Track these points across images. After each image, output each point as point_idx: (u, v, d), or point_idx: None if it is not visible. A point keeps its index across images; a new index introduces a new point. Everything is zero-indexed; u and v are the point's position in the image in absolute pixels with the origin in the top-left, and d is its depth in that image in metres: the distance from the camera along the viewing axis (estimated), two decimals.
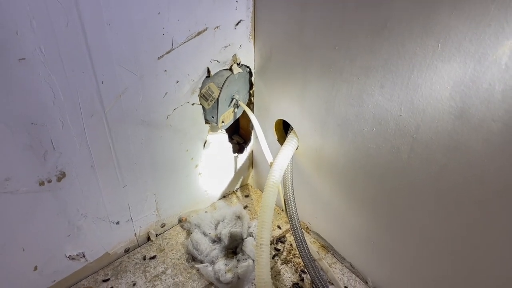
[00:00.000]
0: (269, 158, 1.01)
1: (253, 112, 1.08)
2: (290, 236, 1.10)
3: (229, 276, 0.95)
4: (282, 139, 1.08)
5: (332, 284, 0.95)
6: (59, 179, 0.80)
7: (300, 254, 0.90)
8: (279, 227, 1.13)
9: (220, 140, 1.10)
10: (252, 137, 1.18)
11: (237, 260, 1.00)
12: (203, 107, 0.98)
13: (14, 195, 0.75)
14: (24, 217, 0.79)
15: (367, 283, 0.98)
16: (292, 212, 0.95)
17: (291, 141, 0.99)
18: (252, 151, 1.22)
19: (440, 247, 0.77)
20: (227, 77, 0.95)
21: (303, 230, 1.05)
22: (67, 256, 0.91)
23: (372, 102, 0.76)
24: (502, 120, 0.57)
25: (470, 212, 0.68)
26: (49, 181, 0.79)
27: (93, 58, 0.73)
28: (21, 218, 0.78)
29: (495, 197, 0.63)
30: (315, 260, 0.91)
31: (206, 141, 1.05)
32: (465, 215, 0.69)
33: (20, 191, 0.75)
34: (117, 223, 0.97)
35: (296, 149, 1.01)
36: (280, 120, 1.05)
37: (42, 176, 0.77)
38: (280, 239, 1.09)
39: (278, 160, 0.95)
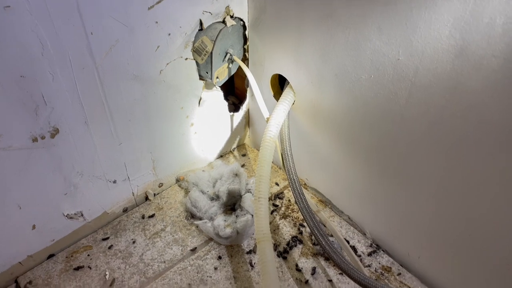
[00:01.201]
0: (265, 113, 1.00)
1: (248, 68, 1.06)
2: (288, 192, 1.10)
3: (228, 230, 0.95)
4: (278, 95, 1.06)
5: (331, 236, 0.95)
6: (52, 136, 0.79)
7: (298, 207, 0.90)
8: (277, 184, 1.14)
9: (215, 97, 1.08)
10: (248, 94, 1.16)
11: (236, 216, 1.00)
12: (196, 62, 0.96)
13: (6, 151, 0.74)
14: (19, 174, 0.78)
15: (365, 234, 0.99)
16: (290, 167, 0.95)
17: (287, 96, 0.97)
18: (248, 109, 1.20)
19: (437, 196, 0.77)
20: (220, 30, 0.92)
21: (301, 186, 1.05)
22: (65, 215, 0.91)
23: (369, 47, 0.74)
24: (503, 55, 0.56)
25: (469, 158, 0.67)
26: (43, 138, 0.78)
27: (81, 7, 0.70)
28: (16, 175, 0.77)
29: (497, 139, 0.62)
30: (313, 212, 0.91)
31: (201, 98, 1.03)
32: (464, 161, 0.68)
33: (13, 148, 0.74)
34: (114, 182, 0.96)
35: (293, 104, 0.99)
36: (276, 75, 1.04)
37: (35, 132, 0.76)
38: (278, 195, 1.09)
39: (275, 115, 0.94)
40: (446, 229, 0.79)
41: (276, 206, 1.07)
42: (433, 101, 0.68)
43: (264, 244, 0.81)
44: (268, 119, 0.95)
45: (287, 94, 0.97)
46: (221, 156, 1.23)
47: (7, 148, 0.73)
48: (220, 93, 1.08)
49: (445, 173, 0.73)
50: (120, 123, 0.89)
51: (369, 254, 0.95)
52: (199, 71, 0.98)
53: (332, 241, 0.90)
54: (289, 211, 1.05)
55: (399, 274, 0.91)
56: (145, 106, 0.92)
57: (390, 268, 0.92)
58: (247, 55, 1.07)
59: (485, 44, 0.57)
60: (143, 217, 1.03)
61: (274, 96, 1.07)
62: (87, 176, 0.90)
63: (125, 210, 1.03)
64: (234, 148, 1.26)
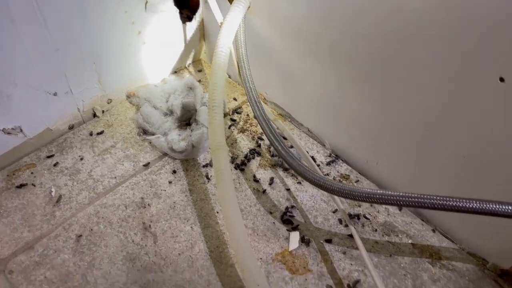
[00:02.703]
0: (219, 18, 0.92)
1: None
2: (246, 107, 1.06)
3: (182, 144, 0.90)
4: None
5: (292, 147, 0.93)
6: None
7: (254, 115, 0.85)
8: (235, 99, 1.08)
9: (165, 2, 0.98)
10: (201, 1, 1.06)
11: (191, 130, 0.95)
12: None
13: None
14: None
15: (324, 145, 0.97)
16: (246, 74, 0.89)
17: None
18: (203, 20, 1.11)
19: (395, 100, 0.74)
20: None
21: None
22: (1, 129, 0.83)
23: None
24: None
25: (433, 46, 0.64)
26: None
27: None
28: None
29: (460, 21, 0.58)
30: (272, 122, 0.87)
31: (147, 1, 0.93)
32: (428, 50, 0.65)
33: None
34: (55, 94, 0.88)
35: (248, 7, 0.92)
36: None
37: None
38: (236, 110, 1.04)
39: (228, 18, 0.87)
40: (404, 130, 0.77)
41: (234, 120, 1.02)
42: None
43: (218, 152, 0.77)
44: (222, 23, 0.88)
45: None
46: (175, 72, 1.15)
47: None
48: None
49: (403, 74, 0.70)
50: (55, 26, 0.80)
51: (328, 164, 0.93)
52: None
53: (292, 152, 0.87)
54: (248, 125, 1.01)
55: (357, 181, 0.91)
56: (83, 7, 0.82)
57: (349, 175, 0.91)
58: None
59: None
60: (91, 134, 0.96)
61: (229, 1, 0.99)
62: (22, 86, 0.81)
63: (71, 128, 0.96)
64: (189, 64, 1.18)
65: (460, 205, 0.59)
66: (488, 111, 0.63)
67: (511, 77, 0.58)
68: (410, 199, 0.62)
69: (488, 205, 0.58)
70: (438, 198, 0.60)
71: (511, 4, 0.53)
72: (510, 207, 0.57)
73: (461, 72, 0.63)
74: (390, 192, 0.64)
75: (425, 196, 0.60)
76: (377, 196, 0.65)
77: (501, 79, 0.59)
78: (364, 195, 0.66)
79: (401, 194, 0.62)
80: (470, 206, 0.59)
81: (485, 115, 0.63)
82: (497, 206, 0.57)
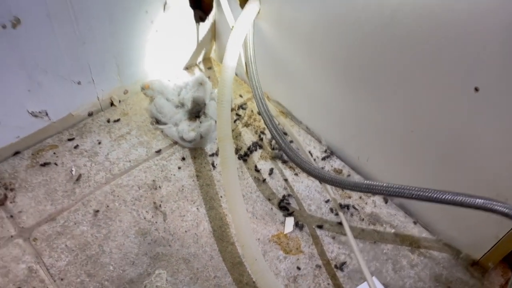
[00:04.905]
0: (231, 21, 1.01)
1: None
2: (251, 104, 1.15)
3: (192, 134, 0.99)
4: (244, 4, 1.07)
5: (291, 141, 1.02)
6: (14, 26, 0.78)
7: (258, 111, 0.94)
8: (240, 96, 1.17)
9: (181, 4, 1.07)
10: (214, 4, 1.15)
11: (200, 122, 1.04)
12: None
13: None
14: None
15: (320, 142, 1.06)
16: (253, 74, 0.98)
17: (252, 4, 0.98)
18: (215, 22, 1.20)
19: (386, 102, 0.83)
20: None
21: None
22: (30, 112, 0.92)
23: None
24: None
25: (420, 56, 0.73)
26: (4, 27, 0.77)
27: None
28: None
29: (441, 38, 0.68)
30: (274, 118, 0.96)
31: (166, 2, 1.02)
32: (416, 60, 0.74)
33: None
34: (79, 83, 0.97)
35: (258, 13, 1.01)
36: None
37: None
38: (242, 106, 1.13)
39: (239, 21, 0.96)
40: (392, 130, 0.86)
41: (239, 115, 1.11)
42: (388, 2, 0.72)
43: (225, 142, 0.86)
44: (233, 27, 0.97)
45: (252, 1, 0.98)
46: (186, 68, 1.24)
47: None
48: (186, 0, 1.08)
49: (393, 80, 0.79)
50: (84, 22, 0.88)
51: (323, 159, 1.02)
52: None
53: (291, 146, 0.96)
54: (251, 120, 1.10)
55: (348, 175, 1.00)
56: (109, 7, 0.91)
57: (341, 170, 1.00)
58: None
59: None
60: (108, 121, 1.05)
61: (240, 5, 1.07)
62: (51, 74, 0.90)
63: (90, 114, 1.05)
64: (200, 61, 1.27)
65: (435, 196, 0.68)
66: (464, 116, 0.72)
67: (484, 88, 0.67)
68: (391, 189, 0.71)
69: (458, 197, 0.67)
70: (416, 189, 0.69)
71: (483, 25, 0.62)
72: (476, 200, 0.66)
73: (441, 82, 0.72)
74: (374, 183, 0.73)
75: (405, 187, 0.69)
76: (364, 185, 0.74)
77: (476, 89, 0.68)
78: (352, 184, 0.75)
79: (384, 184, 0.71)
80: (443, 197, 0.68)
81: (461, 119, 0.72)
82: (466, 198, 0.66)
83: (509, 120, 0.67)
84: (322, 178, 0.81)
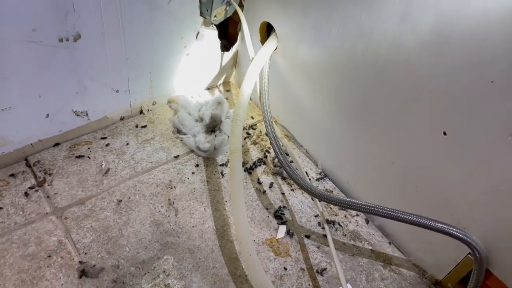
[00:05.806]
0: (251, 53, 1.18)
1: (242, 13, 1.23)
2: (260, 125, 1.31)
3: (207, 145, 1.15)
4: (264, 41, 1.24)
5: (292, 162, 1.17)
6: (75, 39, 0.95)
7: (266, 132, 1.10)
8: (252, 117, 1.34)
9: (211, 35, 1.25)
10: (239, 38, 1.33)
11: (215, 136, 1.20)
12: (200, 0, 1.12)
13: (38, 45, 0.90)
14: (43, 66, 0.94)
15: (317, 165, 1.21)
16: (265, 100, 1.14)
17: (271, 41, 1.16)
18: (237, 51, 1.38)
19: (375, 137, 0.99)
20: None
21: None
22: (74, 111, 1.08)
23: (341, 7, 0.93)
24: (432, 22, 0.76)
25: (404, 102, 0.88)
26: (67, 39, 0.94)
27: None
28: (41, 66, 0.94)
29: (424, 89, 0.83)
30: (279, 139, 1.11)
31: (199, 32, 1.20)
32: (401, 105, 0.90)
33: (43, 43, 0.91)
34: (117, 91, 1.14)
35: (275, 49, 1.18)
36: (265, 23, 1.21)
37: (62, 34, 0.92)
38: (252, 126, 1.29)
39: (259, 54, 1.13)
40: (377, 161, 1.01)
41: (249, 134, 1.27)
42: (382, 54, 0.88)
43: (235, 155, 1.01)
44: (253, 58, 1.14)
45: (272, 39, 1.15)
46: (208, 88, 1.41)
47: (39, 42, 0.90)
48: (215, 32, 1.26)
49: (382, 120, 0.95)
50: (130, 41, 1.06)
51: (317, 180, 1.17)
52: (200, 8, 1.15)
53: (291, 165, 1.11)
54: (259, 140, 1.26)
55: None
56: (152, 31, 1.09)
57: (332, 191, 1.15)
58: (243, 1, 1.23)
59: (421, 13, 0.77)
60: (136, 126, 1.21)
61: (261, 41, 1.25)
62: (96, 82, 1.07)
63: (122, 119, 1.22)
64: (220, 84, 1.44)
65: (403, 216, 0.83)
66: (435, 154, 0.87)
67: (452, 132, 0.82)
68: (368, 207, 0.85)
69: (422, 220, 0.81)
70: (388, 209, 0.84)
71: (451, 78, 0.78)
72: (437, 224, 0.81)
73: (417, 125, 0.87)
74: (355, 200, 0.87)
75: (380, 206, 0.84)
76: (346, 202, 0.89)
77: (444, 133, 0.83)
78: (337, 200, 0.90)
79: (362, 202, 0.86)
80: (410, 218, 0.82)
81: (432, 157, 0.87)
82: (428, 221, 0.81)
83: (469, 160, 0.81)
84: (313, 193, 0.96)
